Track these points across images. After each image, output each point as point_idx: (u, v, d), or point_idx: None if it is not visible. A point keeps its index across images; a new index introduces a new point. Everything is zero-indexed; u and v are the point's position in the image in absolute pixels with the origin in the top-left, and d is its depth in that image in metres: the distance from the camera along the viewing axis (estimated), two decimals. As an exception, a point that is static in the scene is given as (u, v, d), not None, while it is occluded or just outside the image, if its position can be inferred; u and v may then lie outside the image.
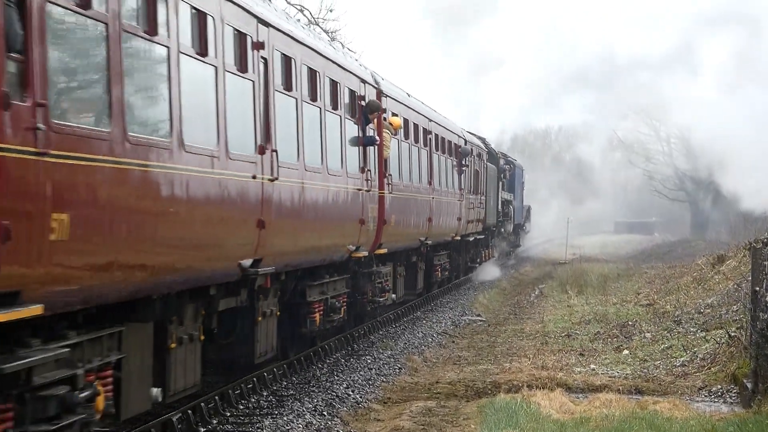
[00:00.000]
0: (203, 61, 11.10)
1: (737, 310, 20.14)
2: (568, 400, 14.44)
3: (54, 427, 8.25)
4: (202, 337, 12.14)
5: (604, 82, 65.94)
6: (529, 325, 24.70)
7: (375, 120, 19.35)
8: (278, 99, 13.61)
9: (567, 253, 54.63)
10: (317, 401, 14.55)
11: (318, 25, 34.31)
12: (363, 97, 18.65)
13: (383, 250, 20.36)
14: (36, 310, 7.73)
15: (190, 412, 12.45)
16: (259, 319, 14.16)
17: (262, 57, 12.99)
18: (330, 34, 34.21)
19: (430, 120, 26.78)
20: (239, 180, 11.95)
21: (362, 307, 20.53)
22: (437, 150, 27.35)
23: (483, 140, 41.24)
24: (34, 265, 7.72)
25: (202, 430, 12.66)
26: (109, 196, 8.81)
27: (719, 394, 15.53)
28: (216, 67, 11.42)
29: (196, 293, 11.68)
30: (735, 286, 23.48)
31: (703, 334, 19.93)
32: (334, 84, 16.68)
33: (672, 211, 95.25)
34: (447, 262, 31.52)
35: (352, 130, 17.95)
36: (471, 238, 35.25)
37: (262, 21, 13.00)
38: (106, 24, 8.78)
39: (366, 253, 19.08)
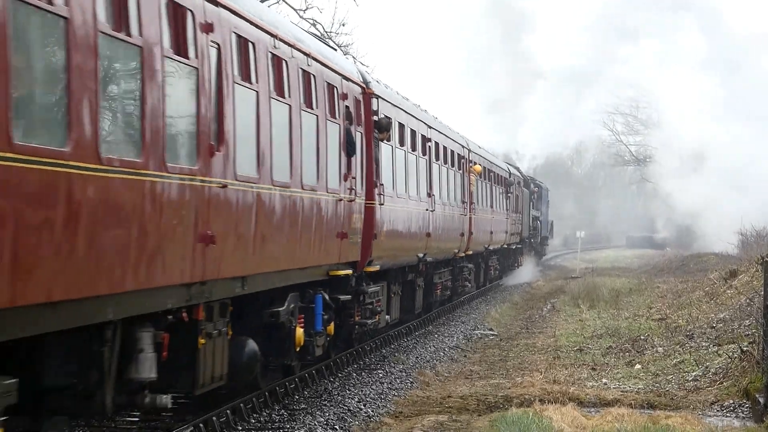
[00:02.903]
0: (406, 151, 22.30)
1: (749, 325, 20.12)
2: (580, 415, 14.37)
3: (369, 321, 19.34)
4: (401, 294, 23.24)
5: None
6: (541, 340, 24.82)
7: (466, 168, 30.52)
8: (433, 165, 24.86)
9: (579, 267, 58.01)
10: (329, 415, 14.64)
11: (330, 39, 33.93)
12: (463, 157, 29.91)
13: (469, 252, 31.54)
14: (377, 267, 18.92)
15: (201, 425, 12.52)
16: (417, 288, 25.24)
17: (429, 145, 24.26)
18: (342, 48, 34.48)
19: (492, 162, 38.02)
20: (422, 212, 23.19)
21: (456, 290, 31.60)
22: (495, 183, 38.56)
23: (518, 169, 52.40)
24: (375, 248, 18.85)
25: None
26: (395, 220, 20.04)
27: (731, 408, 15.46)
28: (417, 156, 22.67)
29: (400, 269, 22.80)
30: (747, 300, 23.25)
31: (716, 348, 19.94)
32: (452, 152, 28.01)
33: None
34: (497, 264, 42.65)
35: (458, 177, 29.22)
36: (513, 247, 46.61)
37: (427, 125, 24.29)
38: (378, 139, 20.06)
39: (463, 254, 30.28)
